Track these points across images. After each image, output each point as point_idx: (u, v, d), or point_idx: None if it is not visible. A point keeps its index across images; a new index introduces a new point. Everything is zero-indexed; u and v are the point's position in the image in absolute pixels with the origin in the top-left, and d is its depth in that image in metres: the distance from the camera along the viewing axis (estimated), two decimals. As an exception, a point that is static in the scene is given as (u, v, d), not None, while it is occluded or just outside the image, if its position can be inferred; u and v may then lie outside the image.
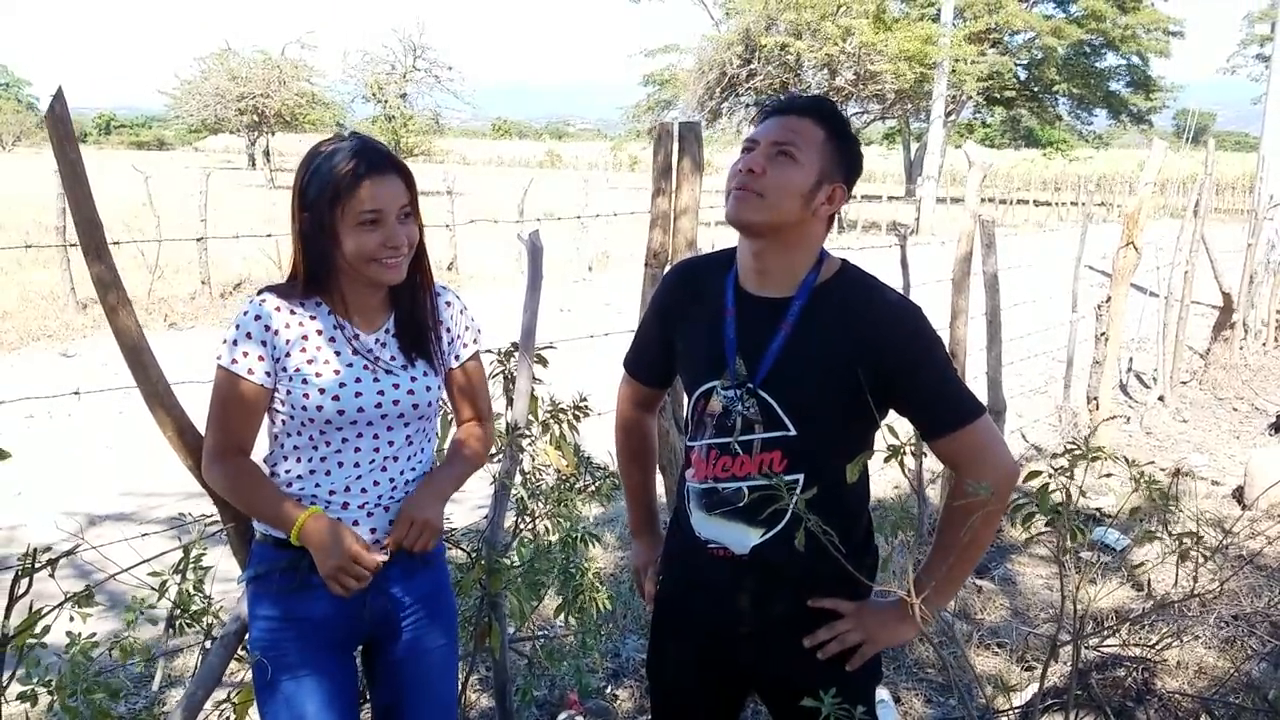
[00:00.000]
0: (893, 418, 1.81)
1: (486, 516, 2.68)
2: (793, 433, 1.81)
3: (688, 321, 1.97)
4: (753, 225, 1.79)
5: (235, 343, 1.87)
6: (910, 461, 1.64)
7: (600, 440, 2.45)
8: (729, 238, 1.93)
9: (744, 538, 1.86)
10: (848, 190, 1.83)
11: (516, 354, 2.71)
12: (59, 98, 1.82)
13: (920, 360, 1.80)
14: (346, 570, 1.84)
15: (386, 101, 36.15)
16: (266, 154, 40.54)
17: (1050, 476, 1.69)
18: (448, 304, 2.08)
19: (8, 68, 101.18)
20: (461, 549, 2.67)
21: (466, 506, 4.50)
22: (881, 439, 1.73)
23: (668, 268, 2.82)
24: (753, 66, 25.85)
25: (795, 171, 1.76)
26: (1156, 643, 3.31)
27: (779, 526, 1.83)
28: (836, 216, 1.92)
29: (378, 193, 1.83)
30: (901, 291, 1.99)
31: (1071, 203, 38.28)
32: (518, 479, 2.71)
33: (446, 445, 2.23)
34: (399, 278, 1.91)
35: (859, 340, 1.78)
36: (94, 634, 2.02)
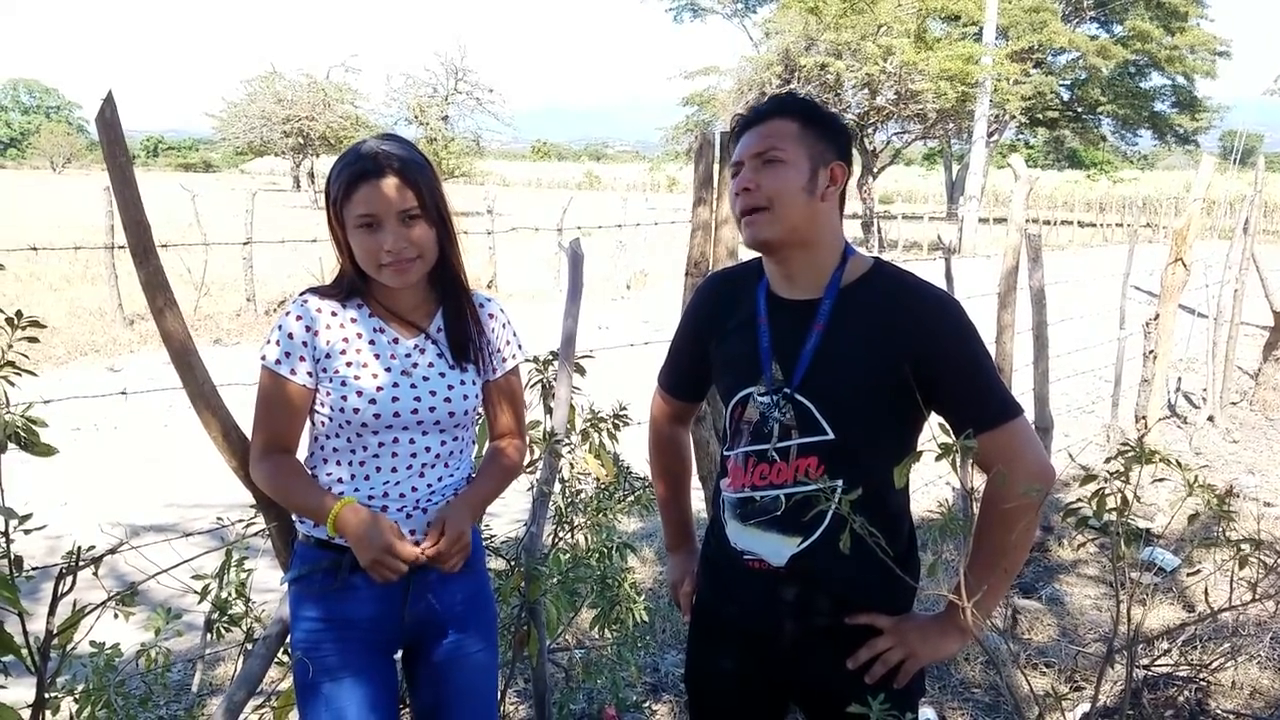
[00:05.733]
0: (937, 418, 1.76)
1: (526, 524, 2.67)
2: (830, 436, 1.77)
3: (723, 331, 1.95)
4: (772, 241, 1.78)
5: (278, 343, 1.88)
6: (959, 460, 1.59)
7: (639, 451, 2.44)
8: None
9: (780, 548, 1.82)
10: (847, 164, 1.82)
11: (555, 362, 2.70)
12: (109, 102, 1.84)
13: (960, 354, 1.75)
14: (382, 562, 1.82)
15: (429, 124, 36.62)
16: (311, 176, 41.17)
17: (1104, 481, 1.64)
18: (491, 315, 2.07)
19: (58, 90, 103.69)
20: (501, 556, 2.66)
21: (504, 520, 4.50)
22: (931, 435, 1.66)
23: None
24: (792, 87, 25.77)
25: (787, 170, 1.75)
26: (1210, 662, 3.22)
27: (816, 534, 1.79)
28: (847, 202, 1.90)
29: (370, 196, 1.82)
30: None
31: (1116, 224, 37.86)
32: (556, 487, 2.69)
33: (482, 453, 2.22)
34: (407, 282, 1.89)
35: (897, 335, 1.74)
36: (117, 643, 2.02)
